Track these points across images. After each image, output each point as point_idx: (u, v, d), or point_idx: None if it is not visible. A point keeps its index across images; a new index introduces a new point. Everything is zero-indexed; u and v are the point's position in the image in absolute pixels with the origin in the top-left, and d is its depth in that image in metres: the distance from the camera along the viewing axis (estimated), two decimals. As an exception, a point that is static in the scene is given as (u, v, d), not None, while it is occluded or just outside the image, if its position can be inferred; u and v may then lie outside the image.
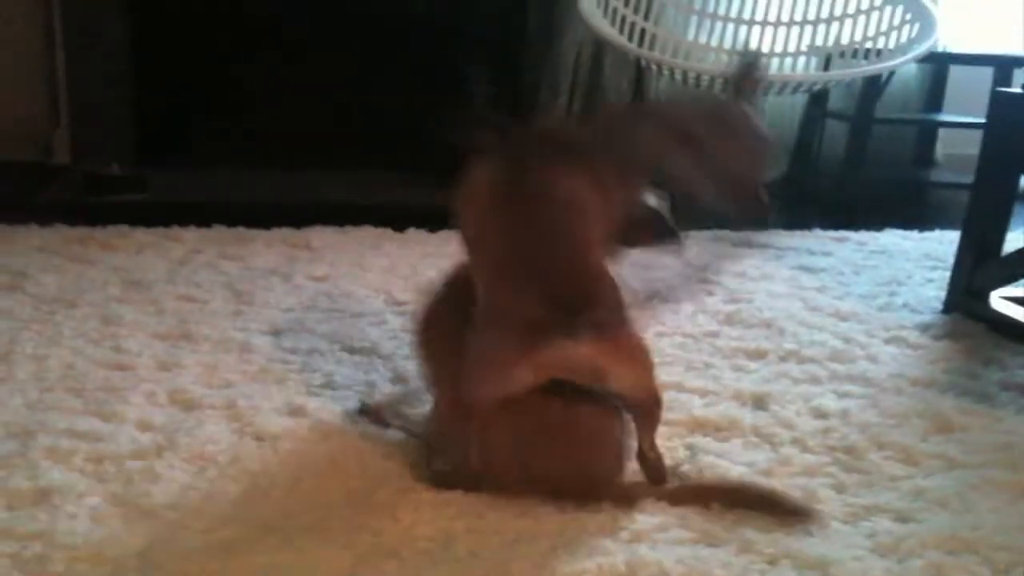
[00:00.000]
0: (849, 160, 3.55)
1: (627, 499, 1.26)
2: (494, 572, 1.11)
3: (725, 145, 1.45)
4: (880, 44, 3.43)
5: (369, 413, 1.53)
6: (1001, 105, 2.00)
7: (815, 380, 1.73)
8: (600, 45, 3.47)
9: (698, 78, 3.15)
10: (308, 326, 1.92)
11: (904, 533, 1.22)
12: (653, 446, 1.31)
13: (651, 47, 3.38)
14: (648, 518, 1.23)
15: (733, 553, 1.16)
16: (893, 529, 1.23)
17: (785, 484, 1.34)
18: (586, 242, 1.33)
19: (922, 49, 3.13)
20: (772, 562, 1.15)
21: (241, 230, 2.58)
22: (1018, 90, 2.00)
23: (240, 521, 1.21)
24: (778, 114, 3.96)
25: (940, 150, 4.00)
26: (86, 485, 1.27)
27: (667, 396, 1.43)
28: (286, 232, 2.59)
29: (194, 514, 1.23)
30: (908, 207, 3.55)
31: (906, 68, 3.87)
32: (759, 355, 1.84)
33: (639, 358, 1.26)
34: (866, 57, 3.44)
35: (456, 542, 1.17)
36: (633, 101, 2.93)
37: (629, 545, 1.17)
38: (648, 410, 1.28)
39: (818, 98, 3.75)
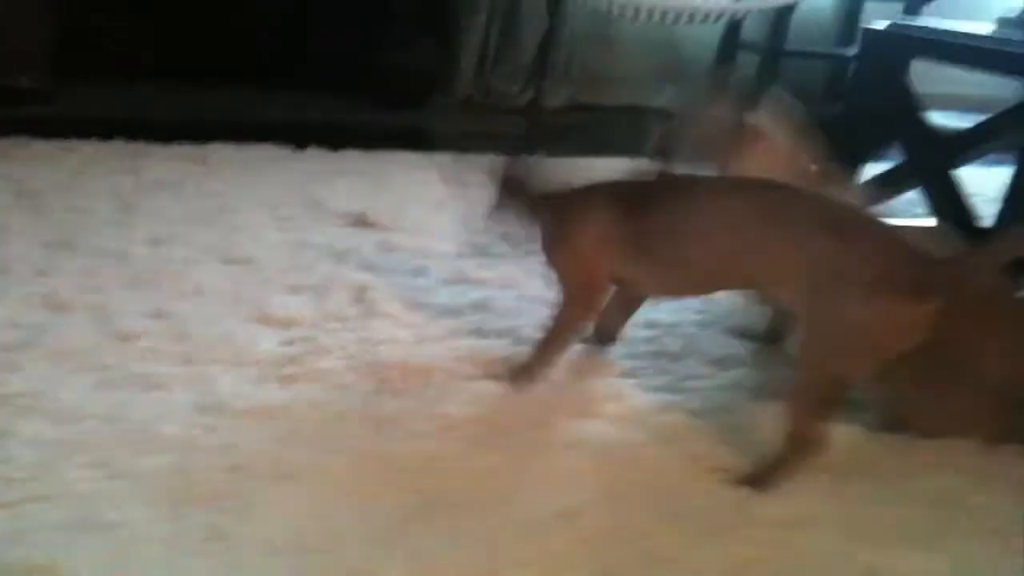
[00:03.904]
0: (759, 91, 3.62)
1: None
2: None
3: None
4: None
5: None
6: (869, 40, 2.06)
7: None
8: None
9: (618, 7, 3.16)
10: (189, 237, 1.97)
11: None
12: None
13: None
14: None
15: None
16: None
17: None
18: None
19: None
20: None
21: (141, 144, 2.59)
22: (883, 26, 2.06)
23: (85, 412, 1.30)
24: (696, 44, 4.02)
25: (851, 84, 4.08)
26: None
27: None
28: (185, 148, 2.61)
29: (48, 401, 1.31)
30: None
31: (821, 2, 3.94)
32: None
33: None
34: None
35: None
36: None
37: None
38: None
39: (732, 29, 3.80)
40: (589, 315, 1.53)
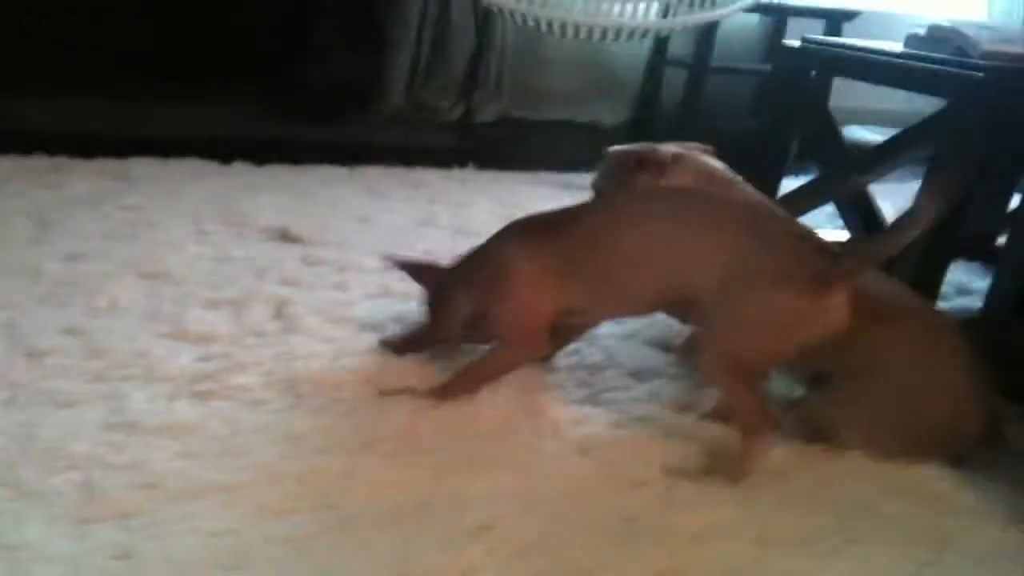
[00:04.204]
0: (686, 107, 3.68)
1: None
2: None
3: None
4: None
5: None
6: (782, 57, 2.10)
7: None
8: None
9: (546, 24, 3.19)
10: (106, 253, 1.94)
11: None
12: None
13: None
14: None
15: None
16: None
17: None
18: None
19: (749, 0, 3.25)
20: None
21: (61, 159, 2.56)
22: (796, 43, 2.11)
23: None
24: (626, 61, 4.07)
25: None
26: None
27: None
28: (107, 162, 2.57)
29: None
30: (743, 154, 3.69)
31: (748, 20, 4.02)
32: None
33: None
34: (703, 6, 3.55)
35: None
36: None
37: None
38: None
39: (659, 45, 3.87)
40: (533, 356, 1.54)
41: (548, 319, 1.48)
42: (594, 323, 1.67)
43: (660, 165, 1.60)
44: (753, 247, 1.30)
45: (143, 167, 2.57)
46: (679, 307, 1.50)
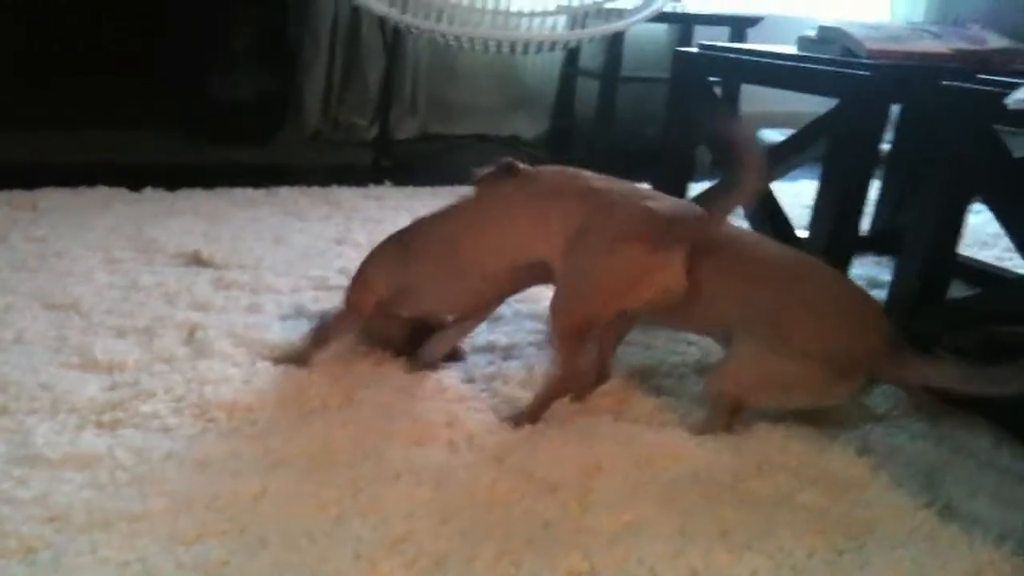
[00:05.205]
0: (599, 117, 3.73)
1: None
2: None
3: None
4: (623, 4, 3.60)
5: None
6: (681, 63, 2.14)
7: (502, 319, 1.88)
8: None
9: (455, 39, 3.21)
10: (10, 285, 1.90)
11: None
12: None
13: (404, 9, 3.42)
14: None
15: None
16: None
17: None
18: None
19: (651, 9, 3.31)
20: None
21: (-35, 192, 2.50)
22: (694, 49, 2.15)
23: None
24: (540, 73, 4.12)
25: (690, 108, 4.23)
26: None
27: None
28: (14, 194, 2.52)
29: None
30: (655, 163, 3.75)
31: (656, 29, 4.09)
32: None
33: None
34: (608, 17, 3.60)
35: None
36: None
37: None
38: None
39: (571, 57, 3.91)
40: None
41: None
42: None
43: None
44: (593, 213, 1.44)
45: (51, 197, 2.53)
46: (534, 277, 1.60)
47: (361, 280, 1.67)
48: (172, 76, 3.47)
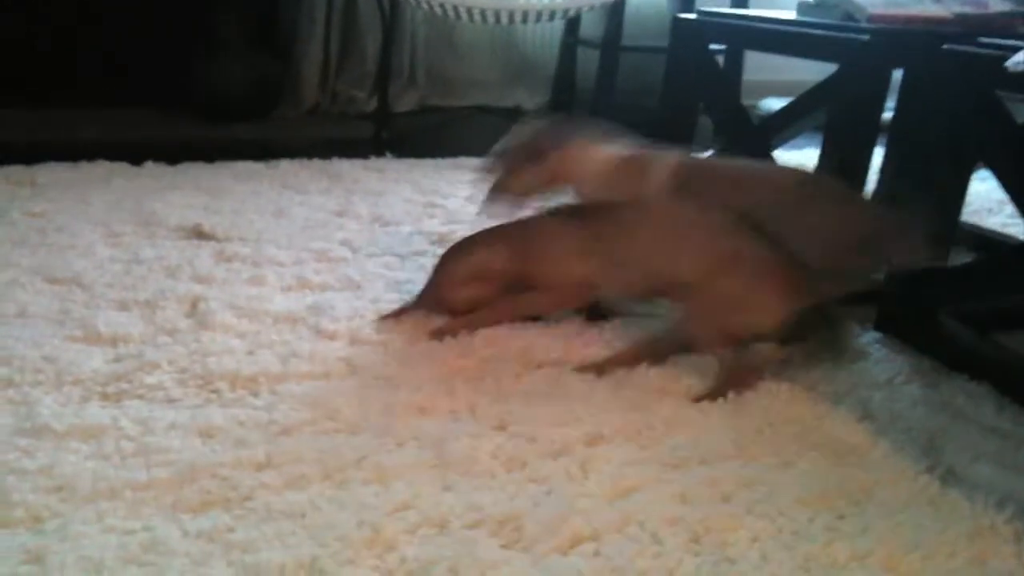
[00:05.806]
0: (599, 87, 3.71)
1: None
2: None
3: None
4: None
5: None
6: (678, 31, 2.13)
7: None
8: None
9: (452, 10, 3.19)
10: (12, 260, 1.90)
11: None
12: None
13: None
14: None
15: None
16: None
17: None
18: None
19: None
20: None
21: (-36, 168, 2.50)
22: (691, 16, 2.14)
23: None
24: (540, 44, 4.10)
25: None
26: None
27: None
28: (13, 169, 2.52)
29: None
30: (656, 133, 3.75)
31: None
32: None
33: None
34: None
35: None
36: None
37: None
38: None
39: (571, 27, 3.89)
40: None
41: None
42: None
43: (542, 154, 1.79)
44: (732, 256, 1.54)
45: (51, 172, 2.52)
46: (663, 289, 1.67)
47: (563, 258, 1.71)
48: (167, 54, 3.45)
